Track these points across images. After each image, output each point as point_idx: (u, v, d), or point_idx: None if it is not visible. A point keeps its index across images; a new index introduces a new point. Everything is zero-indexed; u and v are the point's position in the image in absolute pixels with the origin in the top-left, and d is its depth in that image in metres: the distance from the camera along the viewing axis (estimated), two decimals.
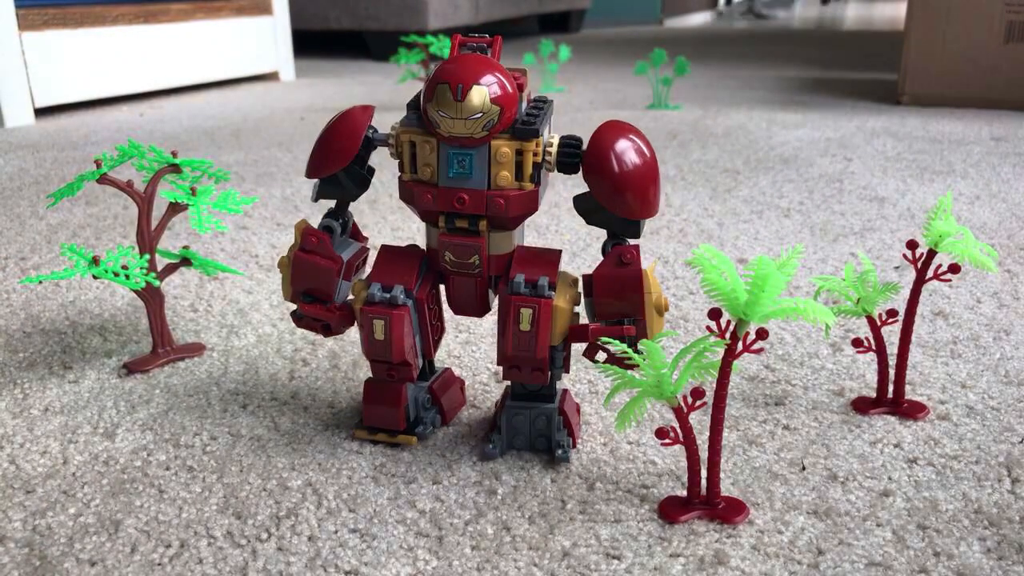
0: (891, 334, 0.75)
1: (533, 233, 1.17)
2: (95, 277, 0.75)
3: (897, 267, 1.03)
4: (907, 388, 0.73)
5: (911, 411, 0.69)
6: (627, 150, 0.58)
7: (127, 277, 0.76)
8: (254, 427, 0.69)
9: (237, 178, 1.50)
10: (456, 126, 0.55)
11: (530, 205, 0.59)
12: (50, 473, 0.63)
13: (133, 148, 0.78)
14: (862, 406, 0.70)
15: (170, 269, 0.81)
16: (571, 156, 0.59)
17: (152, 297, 0.79)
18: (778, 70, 2.95)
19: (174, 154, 0.79)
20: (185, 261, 0.82)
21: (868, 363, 0.78)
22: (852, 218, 1.23)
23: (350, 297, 0.64)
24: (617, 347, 0.56)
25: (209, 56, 2.53)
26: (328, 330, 0.64)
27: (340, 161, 0.61)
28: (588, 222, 0.61)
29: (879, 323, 0.68)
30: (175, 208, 0.80)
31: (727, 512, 0.57)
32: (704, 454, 0.58)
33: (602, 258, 0.60)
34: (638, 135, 0.59)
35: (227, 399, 0.73)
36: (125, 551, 0.55)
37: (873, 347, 0.69)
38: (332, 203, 0.65)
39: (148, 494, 0.60)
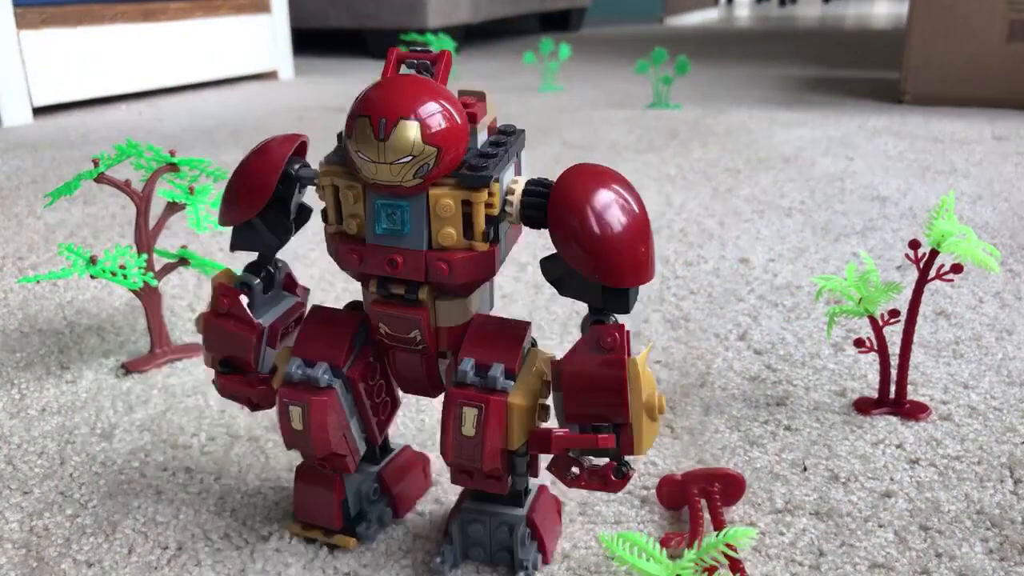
0: (893, 334, 0.75)
1: None
2: (93, 277, 0.74)
3: (899, 267, 1.03)
4: (909, 388, 0.72)
5: (913, 411, 0.69)
6: (604, 196, 0.44)
7: (125, 277, 0.75)
8: (252, 428, 0.69)
9: None
10: (380, 171, 0.43)
11: (484, 269, 0.46)
12: (47, 474, 0.63)
13: (131, 147, 0.77)
14: (864, 406, 0.70)
15: (168, 269, 0.81)
16: (539, 208, 0.46)
17: (150, 297, 0.79)
18: (779, 69, 2.94)
19: (172, 153, 0.79)
20: (183, 261, 0.82)
21: (870, 363, 0.77)
22: (854, 217, 1.22)
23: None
24: (593, 457, 0.45)
25: (208, 55, 2.53)
26: (254, 405, 0.54)
27: (252, 205, 0.50)
28: (562, 293, 0.47)
29: (881, 323, 0.68)
30: (173, 207, 0.79)
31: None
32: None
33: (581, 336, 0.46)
34: (618, 178, 0.45)
35: (225, 399, 0.73)
36: (122, 552, 0.54)
37: (875, 347, 0.69)
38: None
39: (146, 495, 0.60)
